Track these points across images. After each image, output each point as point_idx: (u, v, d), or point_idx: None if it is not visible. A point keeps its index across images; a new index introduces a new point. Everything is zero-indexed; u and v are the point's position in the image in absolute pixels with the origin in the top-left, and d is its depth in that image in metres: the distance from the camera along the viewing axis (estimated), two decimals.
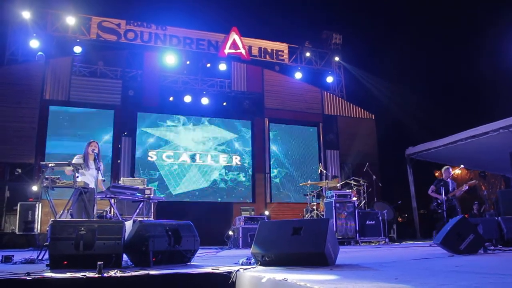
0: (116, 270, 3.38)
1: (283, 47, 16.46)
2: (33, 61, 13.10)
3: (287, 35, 17.37)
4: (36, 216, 10.24)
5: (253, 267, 3.71)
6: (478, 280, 2.61)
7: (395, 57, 18.77)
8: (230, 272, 3.42)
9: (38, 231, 10.24)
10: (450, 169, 9.28)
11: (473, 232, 4.96)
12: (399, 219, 19.22)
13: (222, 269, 3.53)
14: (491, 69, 16.82)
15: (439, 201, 8.83)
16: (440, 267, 3.62)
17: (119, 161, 13.20)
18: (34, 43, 13.16)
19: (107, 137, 13.26)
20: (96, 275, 3.20)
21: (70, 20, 13.69)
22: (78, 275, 3.21)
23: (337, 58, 17.07)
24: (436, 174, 21.29)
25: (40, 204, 10.43)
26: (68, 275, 3.24)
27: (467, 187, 9.12)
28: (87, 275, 3.19)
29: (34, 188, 11.13)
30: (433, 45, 21.26)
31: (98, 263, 3.28)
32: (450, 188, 9.03)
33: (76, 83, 13.27)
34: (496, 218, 6.80)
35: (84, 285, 3.14)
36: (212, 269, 3.59)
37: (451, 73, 20.82)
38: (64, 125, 12.92)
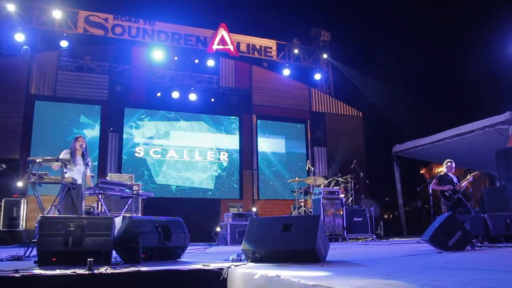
0: (106, 267, 3.34)
1: (271, 43, 16.43)
2: (19, 55, 12.85)
3: (275, 31, 17.39)
4: (21, 212, 10.11)
5: (244, 264, 3.70)
6: (469, 276, 2.64)
7: (383, 55, 18.87)
8: (221, 269, 3.41)
9: (24, 227, 10.10)
10: (453, 163, 8.92)
11: (461, 229, 5.01)
12: (386, 216, 19.40)
13: (213, 266, 3.52)
14: (479, 68, 17.02)
15: (446, 193, 8.57)
16: (430, 263, 3.66)
17: (106, 157, 13.07)
18: (19, 37, 12.90)
19: (94, 132, 13.13)
20: (87, 272, 3.16)
21: (57, 14, 13.46)
22: (68, 271, 3.17)
23: (325, 56, 17.11)
24: (422, 171, 21.53)
25: (25, 200, 10.31)
26: (57, 272, 3.19)
27: (472, 178, 8.98)
28: (77, 272, 3.15)
29: (19, 184, 10.94)
30: (422, 44, 21.42)
31: (88, 259, 3.23)
32: (455, 181, 8.81)
33: (62, 78, 13.10)
34: (482, 215, 6.89)
35: (75, 282, 3.09)
36: (203, 265, 3.57)
37: (438, 71, 21.03)
38: (50, 120, 12.76)
